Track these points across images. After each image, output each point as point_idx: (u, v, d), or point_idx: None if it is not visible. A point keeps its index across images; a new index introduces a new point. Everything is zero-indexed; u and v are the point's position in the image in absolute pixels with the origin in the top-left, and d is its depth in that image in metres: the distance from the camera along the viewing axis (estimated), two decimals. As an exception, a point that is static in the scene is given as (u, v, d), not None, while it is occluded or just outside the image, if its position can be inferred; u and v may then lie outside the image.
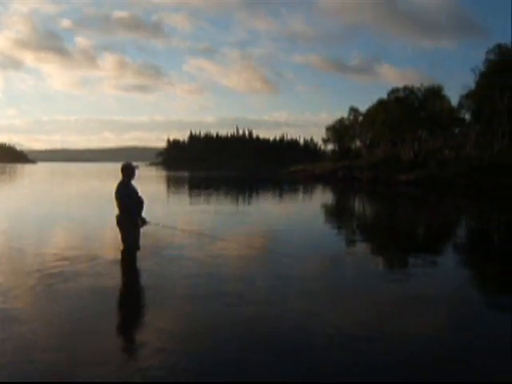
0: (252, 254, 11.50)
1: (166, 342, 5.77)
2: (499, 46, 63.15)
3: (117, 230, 9.78)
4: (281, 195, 36.24)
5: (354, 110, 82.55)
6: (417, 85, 70.82)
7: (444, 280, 9.28)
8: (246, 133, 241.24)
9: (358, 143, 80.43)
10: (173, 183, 55.40)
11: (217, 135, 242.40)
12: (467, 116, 69.65)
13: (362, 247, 13.34)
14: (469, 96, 66.71)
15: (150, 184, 48.13)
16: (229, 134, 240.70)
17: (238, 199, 31.64)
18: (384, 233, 17.09)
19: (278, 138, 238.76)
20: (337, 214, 24.46)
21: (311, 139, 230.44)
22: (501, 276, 10.35)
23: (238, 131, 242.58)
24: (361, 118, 78.86)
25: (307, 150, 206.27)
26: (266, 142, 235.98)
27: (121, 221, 9.60)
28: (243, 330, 6.21)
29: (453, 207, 28.53)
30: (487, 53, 63.35)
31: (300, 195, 37.40)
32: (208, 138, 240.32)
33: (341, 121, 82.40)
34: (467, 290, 8.76)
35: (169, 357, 5.31)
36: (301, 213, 23.40)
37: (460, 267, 10.98)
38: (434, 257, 12.08)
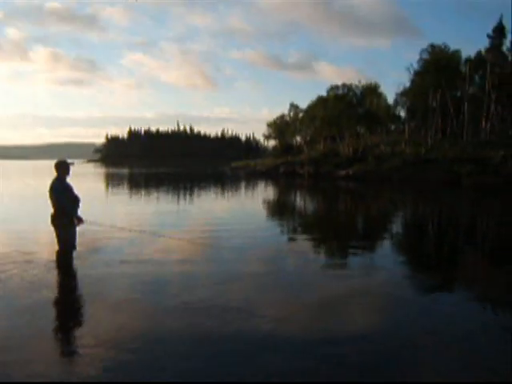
0: (193, 250, 11.33)
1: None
2: (432, 46, 65.62)
3: (51, 229, 9.33)
4: (223, 192, 36.12)
5: (294, 107, 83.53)
6: (354, 82, 72.82)
7: (382, 273, 9.48)
8: (187, 129, 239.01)
9: (299, 139, 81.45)
10: (111, 180, 54.01)
11: (157, 131, 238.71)
12: (403, 113, 72.02)
13: (304, 241, 13.44)
14: (404, 94, 68.94)
15: (87, 181, 46.72)
16: (169, 130, 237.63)
17: (178, 196, 31.23)
18: (325, 226, 17.37)
19: (219, 134, 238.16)
20: (279, 209, 24.62)
21: (253, 135, 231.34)
22: (433, 263, 10.73)
23: (178, 127, 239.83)
24: (301, 115, 79.86)
25: (249, 146, 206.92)
26: (207, 138, 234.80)
27: (56, 220, 9.17)
28: (186, 327, 6.09)
29: (388, 200, 29.42)
30: (421, 52, 65.68)
31: (242, 191, 37.42)
32: (148, 134, 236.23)
33: (282, 117, 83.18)
34: (403, 283, 8.96)
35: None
36: (243, 209, 23.39)
37: (396, 259, 11.27)
38: (372, 249, 12.40)
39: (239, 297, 7.54)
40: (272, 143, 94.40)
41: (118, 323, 6.27)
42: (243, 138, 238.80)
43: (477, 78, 64.54)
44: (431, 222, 19.01)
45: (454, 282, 9.20)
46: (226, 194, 33.09)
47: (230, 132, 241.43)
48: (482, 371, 5.06)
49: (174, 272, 9.25)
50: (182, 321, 6.38)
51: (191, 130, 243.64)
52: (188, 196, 31.72)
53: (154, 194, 32.26)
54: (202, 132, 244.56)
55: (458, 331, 6.24)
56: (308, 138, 77.67)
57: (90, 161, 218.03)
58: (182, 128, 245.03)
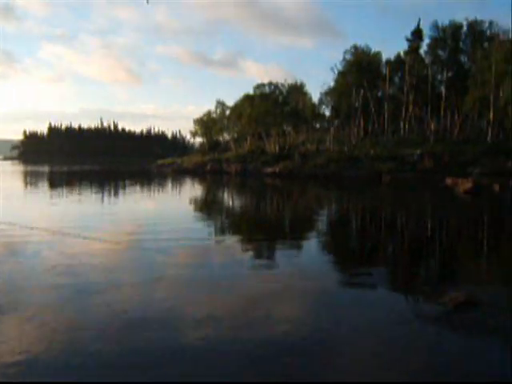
0: (117, 250, 10.88)
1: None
2: (355, 47, 67.70)
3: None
4: (148, 190, 35.29)
5: (221, 104, 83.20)
6: (280, 80, 73.63)
7: (308, 268, 9.53)
8: (111, 125, 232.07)
9: (226, 136, 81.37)
10: (30, 178, 51.32)
11: (79, 127, 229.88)
12: (327, 112, 73.76)
13: (231, 238, 13.30)
14: (328, 93, 70.64)
15: (3, 180, 44.10)
16: (92, 126, 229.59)
17: (102, 195, 30.13)
18: (253, 225, 17.32)
19: (145, 130, 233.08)
20: (207, 208, 24.32)
21: (179, 132, 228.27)
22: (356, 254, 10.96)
23: (102, 123, 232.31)
24: (228, 112, 79.75)
25: (176, 143, 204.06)
26: (132, 134, 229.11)
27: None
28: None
29: (314, 197, 29.97)
30: (344, 53, 67.60)
31: (169, 190, 36.75)
32: (69, 130, 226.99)
33: (208, 114, 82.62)
34: (327, 277, 9.05)
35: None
36: (169, 207, 22.92)
37: (322, 255, 11.40)
38: (298, 243, 12.49)
39: (160, 296, 7.30)
40: (199, 140, 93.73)
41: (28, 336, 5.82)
42: (169, 134, 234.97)
43: (396, 79, 67.30)
44: (354, 218, 19.49)
45: (376, 275, 9.40)
46: (151, 193, 32.33)
47: (156, 129, 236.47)
48: (391, 359, 5.16)
49: (97, 276, 8.80)
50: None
51: (115, 126, 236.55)
52: (111, 195, 30.68)
53: (74, 194, 30.92)
54: (127, 128, 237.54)
55: (375, 321, 6.37)
56: (235, 136, 77.71)
57: (6, 158, 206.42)
58: (105, 124, 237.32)
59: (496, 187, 33.41)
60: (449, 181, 36.81)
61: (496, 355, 5.45)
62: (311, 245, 12.59)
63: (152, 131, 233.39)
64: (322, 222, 17.85)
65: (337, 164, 47.54)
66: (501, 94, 45.63)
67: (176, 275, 8.75)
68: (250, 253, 11.53)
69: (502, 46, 48.35)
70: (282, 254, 10.98)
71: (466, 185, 31.03)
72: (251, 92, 70.49)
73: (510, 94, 42.24)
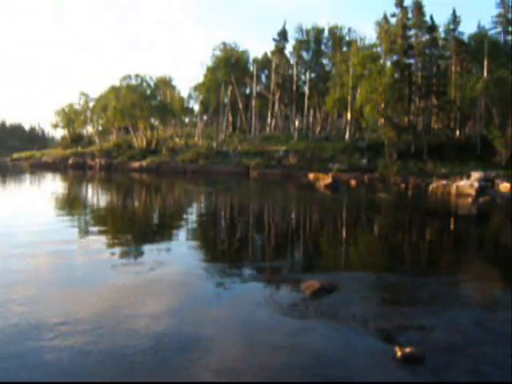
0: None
1: None
2: (224, 44, 68.33)
3: None
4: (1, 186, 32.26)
5: (84, 95, 78.93)
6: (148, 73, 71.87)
7: (174, 264, 9.22)
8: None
9: (90, 129, 77.47)
10: None
11: None
12: (196, 106, 73.60)
13: (95, 238, 12.40)
14: (197, 88, 70.49)
15: None
16: None
17: None
18: (119, 222, 16.49)
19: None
20: (68, 204, 22.65)
21: (38, 124, 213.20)
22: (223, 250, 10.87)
23: None
24: (92, 104, 75.95)
25: (34, 136, 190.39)
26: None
27: None
28: None
29: (183, 191, 29.57)
30: (213, 49, 67.92)
31: (25, 185, 33.88)
32: None
33: (71, 105, 77.89)
34: (195, 272, 8.79)
35: None
36: (25, 206, 20.94)
37: (190, 249, 11.11)
38: (167, 241, 12.07)
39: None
40: (60, 133, 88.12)
41: None
42: (27, 126, 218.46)
43: (263, 77, 69.19)
44: (223, 213, 19.50)
45: (243, 268, 9.32)
46: (2, 191, 29.53)
47: (11, 120, 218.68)
48: (249, 349, 5.12)
49: None
50: None
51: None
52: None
53: None
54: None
55: (236, 313, 6.37)
56: (100, 129, 74.32)
57: None
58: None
59: (353, 182, 35.75)
60: (311, 176, 38.65)
61: (340, 336, 5.72)
62: (180, 242, 12.19)
63: (6, 123, 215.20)
64: (190, 219, 17.56)
65: (205, 159, 47.58)
66: (357, 96, 48.85)
67: (31, 279, 7.88)
68: (117, 254, 10.77)
69: (359, 51, 51.82)
70: (149, 254, 10.41)
71: (326, 180, 32.75)
72: (117, 84, 67.86)
73: (364, 96, 45.34)
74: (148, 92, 64.89)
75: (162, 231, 14.20)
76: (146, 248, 10.99)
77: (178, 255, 10.16)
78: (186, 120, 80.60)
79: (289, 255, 11.15)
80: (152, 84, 66.95)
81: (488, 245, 13.58)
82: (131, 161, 51.87)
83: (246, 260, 10.21)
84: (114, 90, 64.66)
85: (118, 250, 10.86)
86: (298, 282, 7.81)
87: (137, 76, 64.98)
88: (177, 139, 58.65)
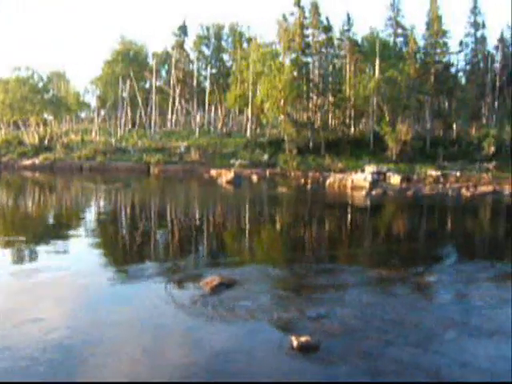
0: None
1: None
2: (122, 37, 66.27)
3: None
4: None
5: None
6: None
7: (76, 266, 8.75)
8: None
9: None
10: None
11: None
12: (93, 101, 70.76)
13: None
14: (94, 82, 67.78)
15: None
16: None
17: None
18: (9, 221, 15.36)
19: None
20: None
21: None
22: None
23: None
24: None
25: None
26: None
27: None
28: None
29: (80, 190, 28.25)
30: (111, 42, 65.69)
31: None
32: None
33: None
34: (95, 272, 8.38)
35: None
36: None
37: (90, 250, 10.59)
38: (65, 242, 11.40)
39: None
40: None
41: None
42: None
43: (163, 72, 68.01)
44: (124, 211, 18.89)
45: (143, 267, 9.01)
46: None
47: None
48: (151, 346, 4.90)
49: None
50: None
51: None
52: None
53: None
54: None
55: (138, 311, 6.24)
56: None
57: None
58: None
59: (254, 177, 36.18)
60: (213, 172, 38.57)
61: (238, 329, 5.75)
62: (78, 242, 11.54)
63: None
64: (88, 218, 16.78)
65: (103, 155, 45.81)
66: (257, 92, 49.48)
67: None
68: (7, 256, 9.97)
69: (258, 48, 52.50)
70: (44, 255, 9.75)
71: (228, 176, 32.80)
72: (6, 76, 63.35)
73: (265, 92, 46.04)
74: (40, 85, 61.28)
75: (58, 232, 13.40)
76: (41, 249, 10.33)
77: (76, 256, 9.67)
78: (83, 115, 77.27)
79: (190, 252, 10.99)
80: (44, 77, 63.32)
81: (381, 234, 14.30)
82: (22, 158, 48.62)
83: (147, 259, 9.92)
84: (2, 82, 60.35)
85: (8, 251, 10.12)
86: (198, 278, 7.76)
87: (28, 68, 61.13)
88: (73, 135, 55.93)
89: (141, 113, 61.65)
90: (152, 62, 64.02)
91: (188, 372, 4.61)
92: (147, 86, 66.16)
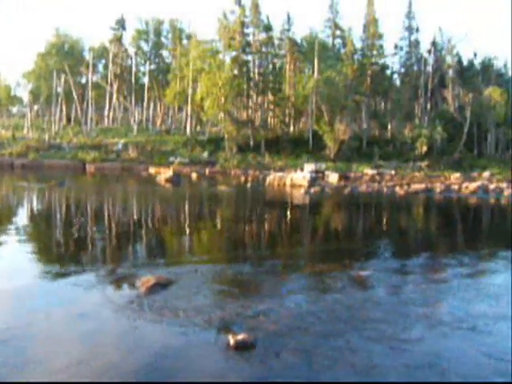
0: None
1: None
2: (57, 29, 63.96)
3: None
4: None
5: None
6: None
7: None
8: None
9: None
10: None
11: None
12: (26, 96, 67.81)
13: None
14: (26, 75, 65.02)
15: None
16: None
17: None
18: None
19: None
20: None
21: None
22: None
23: None
24: None
25: None
26: None
27: None
28: None
29: (11, 189, 26.99)
30: (46, 35, 63.23)
31: None
32: None
33: None
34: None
35: None
36: None
37: (20, 252, 10.08)
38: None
39: None
40: None
41: None
42: None
43: (100, 66, 66.20)
44: (58, 210, 18.21)
45: (79, 269, 8.66)
46: None
47: None
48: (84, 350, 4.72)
49: None
50: None
51: None
52: None
53: None
54: None
55: (72, 315, 6.02)
56: None
57: None
58: None
59: (194, 175, 35.88)
60: (152, 170, 37.96)
61: (174, 330, 5.58)
62: (6, 245, 10.91)
63: None
64: (19, 218, 15.94)
65: (36, 152, 44.02)
66: (197, 90, 49.12)
67: None
68: None
69: (198, 46, 52.13)
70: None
71: (167, 174, 32.34)
72: None
73: (205, 90, 45.79)
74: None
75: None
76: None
77: (3, 260, 9.09)
78: (14, 110, 73.98)
79: (127, 253, 10.69)
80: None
81: (319, 231, 14.51)
82: None
83: (80, 260, 9.53)
84: None
85: None
86: (134, 279, 7.56)
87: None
88: (3, 131, 53.40)
89: (76, 108, 59.72)
90: (88, 56, 62.11)
91: (122, 373, 4.46)
92: (83, 81, 64.19)
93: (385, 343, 5.32)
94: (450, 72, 53.33)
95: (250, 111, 50.57)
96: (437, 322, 6.03)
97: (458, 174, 37.22)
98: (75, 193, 24.68)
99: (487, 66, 57.99)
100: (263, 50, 52.20)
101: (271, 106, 52.06)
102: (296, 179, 30.11)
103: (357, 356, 4.97)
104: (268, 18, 52.12)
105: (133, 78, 59.22)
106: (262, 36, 52.23)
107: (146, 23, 63.68)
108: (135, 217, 16.48)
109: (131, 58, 62.21)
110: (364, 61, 52.05)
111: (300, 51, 54.24)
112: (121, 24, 61.92)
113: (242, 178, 35.49)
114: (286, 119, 52.63)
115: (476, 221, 18.79)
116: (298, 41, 56.11)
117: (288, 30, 54.53)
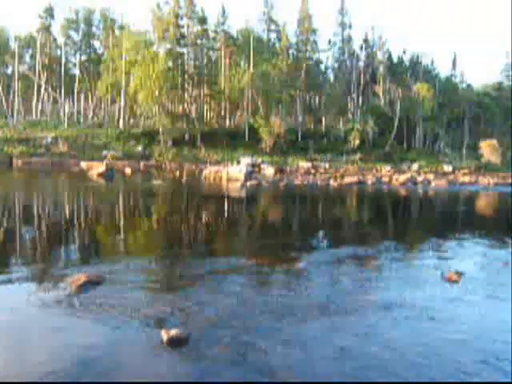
0: None
1: None
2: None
3: None
4: None
5: None
6: None
7: None
8: None
9: None
10: None
11: None
12: None
13: None
14: None
15: None
16: None
17: None
18: None
19: None
20: None
21: None
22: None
23: None
24: None
25: None
26: None
27: None
28: None
29: None
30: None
31: None
32: None
33: None
34: None
35: None
36: None
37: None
38: None
39: None
40: None
41: None
42: None
43: (28, 56, 63.25)
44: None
45: (4, 269, 8.24)
46: None
47: None
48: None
49: None
50: None
51: None
52: None
53: None
54: None
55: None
56: None
57: None
58: None
59: (128, 170, 35.09)
60: (84, 165, 36.77)
61: (106, 328, 5.41)
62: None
63: None
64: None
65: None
66: (131, 82, 47.98)
67: None
68: None
69: (131, 36, 50.84)
70: None
71: (99, 168, 31.43)
72: None
73: (138, 82, 44.81)
74: None
75: None
76: None
77: None
78: None
79: (56, 251, 10.26)
80: None
81: (255, 224, 14.57)
82: None
83: (8, 261, 9.04)
84: None
85: None
86: (64, 277, 7.26)
87: None
88: None
89: (1, 100, 56.78)
90: (14, 45, 59.11)
91: (51, 373, 4.27)
92: (9, 71, 61.08)
93: (323, 333, 5.39)
94: (381, 68, 55.09)
95: (185, 104, 50.01)
96: (370, 307, 6.19)
97: (388, 167, 38.60)
98: (1, 189, 23.50)
99: (416, 62, 60.37)
100: (198, 42, 51.74)
101: (207, 99, 51.75)
102: (232, 173, 30.11)
103: (293, 349, 5.00)
104: (203, 10, 51.71)
105: (62, 68, 56.96)
106: (197, 28, 51.78)
107: (75, 12, 61.38)
108: (66, 214, 15.87)
109: (60, 48, 59.82)
110: (299, 55, 52.75)
111: (235, 44, 54.16)
112: (49, 12, 59.34)
113: (178, 172, 35.08)
114: (222, 112, 52.51)
115: (406, 211, 19.54)
116: (234, 34, 56.00)
117: (223, 23, 54.32)
